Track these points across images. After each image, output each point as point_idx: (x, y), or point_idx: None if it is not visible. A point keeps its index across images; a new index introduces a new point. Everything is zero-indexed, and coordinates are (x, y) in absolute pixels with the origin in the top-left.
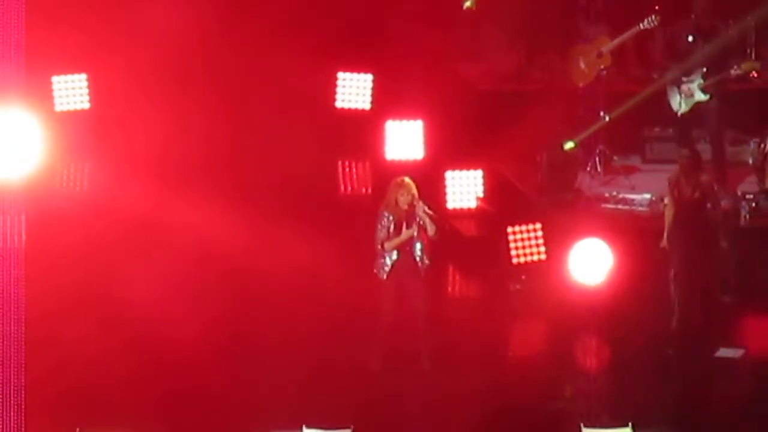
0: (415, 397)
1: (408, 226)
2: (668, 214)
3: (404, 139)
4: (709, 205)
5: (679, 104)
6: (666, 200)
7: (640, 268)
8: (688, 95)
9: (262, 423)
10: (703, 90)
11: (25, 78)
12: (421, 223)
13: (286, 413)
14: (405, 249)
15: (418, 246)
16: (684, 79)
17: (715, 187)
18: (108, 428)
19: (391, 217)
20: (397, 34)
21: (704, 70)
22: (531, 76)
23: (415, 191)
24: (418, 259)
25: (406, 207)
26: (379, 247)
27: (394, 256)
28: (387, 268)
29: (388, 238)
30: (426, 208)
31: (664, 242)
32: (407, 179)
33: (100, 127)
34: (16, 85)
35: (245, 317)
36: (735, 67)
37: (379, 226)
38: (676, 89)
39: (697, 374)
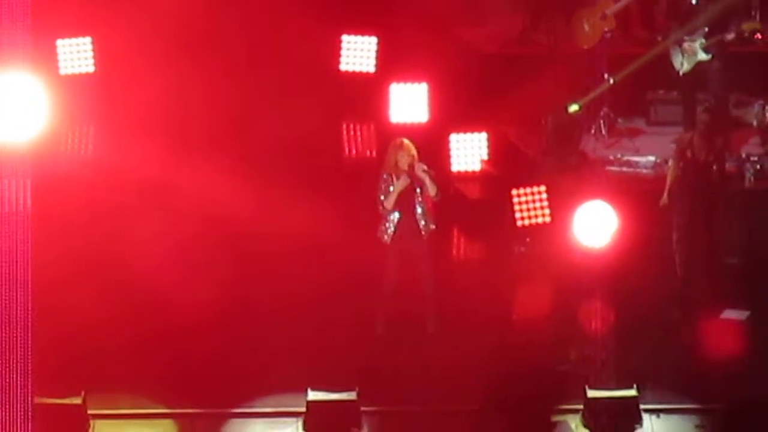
0: (420, 361)
1: (415, 186)
2: (672, 174)
3: (409, 102)
4: (715, 168)
5: (681, 63)
6: (671, 161)
7: (645, 230)
8: (690, 54)
9: (267, 386)
10: (705, 49)
11: (30, 41)
12: (422, 183)
13: (292, 376)
14: (407, 212)
15: (420, 209)
16: (686, 38)
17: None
18: (113, 392)
19: (391, 179)
20: None
21: (705, 29)
22: (535, 39)
23: (414, 152)
24: (421, 222)
25: (406, 168)
26: (381, 208)
27: (396, 219)
28: (390, 232)
29: (387, 197)
30: (425, 167)
31: (664, 199)
32: (406, 141)
33: (105, 90)
34: (21, 49)
35: (249, 281)
36: (735, 27)
37: (381, 189)
38: (678, 48)
39: (702, 336)
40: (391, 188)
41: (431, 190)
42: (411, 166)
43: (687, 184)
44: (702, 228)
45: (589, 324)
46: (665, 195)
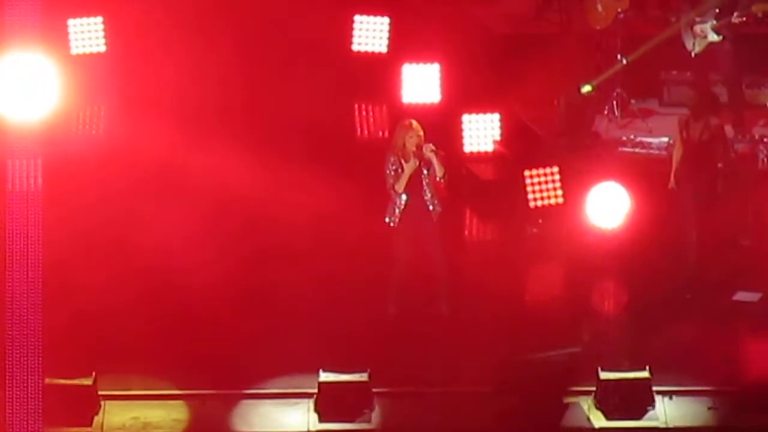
0: (432, 342)
1: (423, 167)
2: (676, 155)
3: (421, 83)
4: (720, 147)
5: (692, 45)
6: (673, 141)
7: (657, 211)
8: (701, 36)
9: (279, 367)
10: (716, 31)
11: (41, 20)
12: (429, 164)
13: (303, 357)
14: (415, 194)
15: (428, 191)
16: (697, 19)
17: (727, 131)
18: (124, 373)
19: (398, 161)
20: None
21: (716, 10)
22: (548, 19)
23: (422, 133)
24: (429, 204)
25: (414, 149)
26: (393, 191)
27: (403, 201)
28: (397, 214)
29: (398, 180)
30: (433, 147)
31: (672, 183)
32: (414, 122)
33: (116, 70)
34: (32, 28)
35: (261, 261)
36: (744, 9)
37: (388, 171)
38: (689, 30)
39: (714, 318)
40: (401, 170)
41: (438, 171)
42: (419, 147)
43: (687, 163)
44: (706, 208)
45: (602, 305)
46: (672, 178)
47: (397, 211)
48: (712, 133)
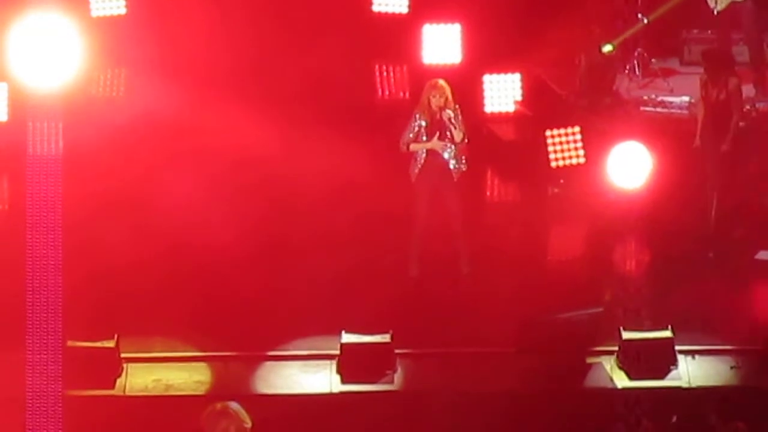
0: (454, 302)
1: (440, 130)
2: (699, 114)
3: (442, 43)
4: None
5: (714, 3)
6: (696, 100)
7: (679, 171)
8: None
9: (301, 329)
10: None
11: None
12: (448, 130)
13: (325, 319)
14: (435, 150)
15: (448, 150)
16: None
17: (748, 90)
18: (146, 335)
19: (422, 121)
20: None
21: None
22: None
23: (448, 94)
24: (450, 163)
25: (437, 109)
26: (404, 147)
27: (422, 159)
28: (416, 170)
29: (416, 140)
30: (451, 116)
31: (697, 141)
32: (441, 81)
33: (137, 32)
34: None
35: (282, 222)
36: None
37: (409, 127)
38: None
39: (737, 277)
40: (420, 126)
41: (456, 137)
42: (441, 108)
43: (708, 123)
44: (729, 167)
45: (624, 265)
46: (697, 137)
47: (417, 167)
48: (729, 93)
